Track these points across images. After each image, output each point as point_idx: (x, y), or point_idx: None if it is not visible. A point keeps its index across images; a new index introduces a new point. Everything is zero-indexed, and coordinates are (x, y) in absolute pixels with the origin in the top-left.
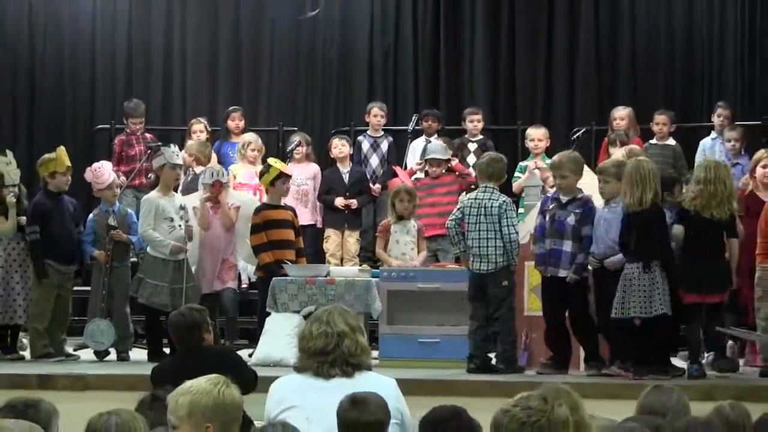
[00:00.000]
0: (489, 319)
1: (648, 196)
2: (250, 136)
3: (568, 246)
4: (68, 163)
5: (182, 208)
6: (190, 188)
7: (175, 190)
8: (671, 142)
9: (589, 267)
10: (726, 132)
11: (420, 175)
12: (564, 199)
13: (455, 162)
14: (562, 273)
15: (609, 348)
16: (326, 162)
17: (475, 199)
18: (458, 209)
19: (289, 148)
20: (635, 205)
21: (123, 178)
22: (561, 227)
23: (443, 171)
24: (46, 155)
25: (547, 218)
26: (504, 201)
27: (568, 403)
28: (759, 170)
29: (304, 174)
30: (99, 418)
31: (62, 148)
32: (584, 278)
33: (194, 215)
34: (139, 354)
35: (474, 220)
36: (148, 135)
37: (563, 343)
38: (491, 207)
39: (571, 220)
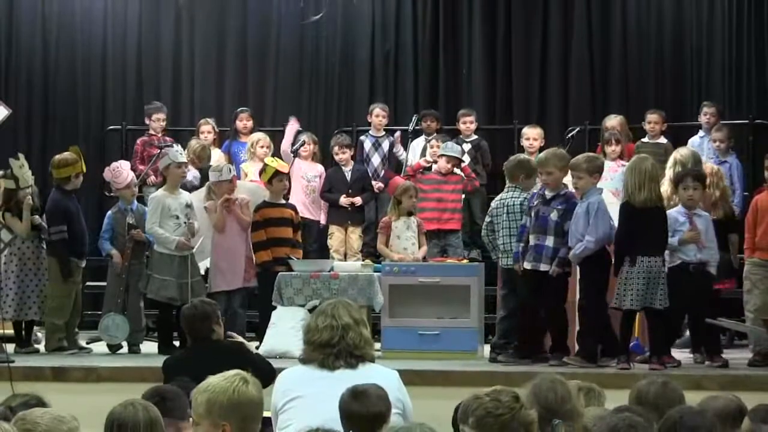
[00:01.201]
0: (517, 310)
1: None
2: (260, 135)
3: (550, 241)
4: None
5: (188, 206)
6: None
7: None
8: (663, 140)
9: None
10: (713, 132)
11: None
12: (548, 195)
13: (465, 164)
14: (543, 267)
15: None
16: (331, 162)
17: (501, 199)
18: (488, 214)
19: (295, 147)
20: (659, 201)
21: (152, 177)
22: (544, 223)
23: (452, 170)
24: (64, 156)
25: (532, 214)
26: (525, 198)
27: (562, 392)
28: None
29: (312, 171)
30: (124, 410)
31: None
32: (566, 272)
33: (205, 212)
34: (149, 347)
35: (500, 220)
36: (168, 138)
37: (536, 333)
38: (513, 205)
39: (554, 215)
